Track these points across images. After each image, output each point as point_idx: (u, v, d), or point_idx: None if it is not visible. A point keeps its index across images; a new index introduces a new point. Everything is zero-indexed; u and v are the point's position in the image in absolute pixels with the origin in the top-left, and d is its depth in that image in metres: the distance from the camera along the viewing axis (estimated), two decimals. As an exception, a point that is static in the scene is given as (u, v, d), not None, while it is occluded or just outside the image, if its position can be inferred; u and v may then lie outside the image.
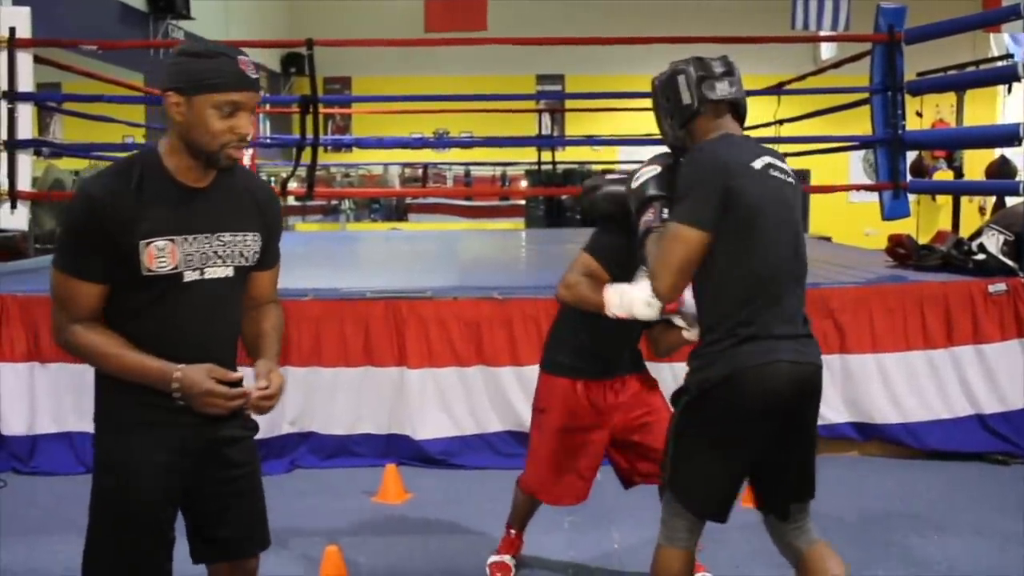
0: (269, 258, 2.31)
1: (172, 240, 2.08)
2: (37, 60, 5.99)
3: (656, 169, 2.65)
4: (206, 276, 2.14)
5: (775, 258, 2.47)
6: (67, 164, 10.01)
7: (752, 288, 2.43)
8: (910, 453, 4.94)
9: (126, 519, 2.15)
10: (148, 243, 2.05)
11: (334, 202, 15.23)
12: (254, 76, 2.10)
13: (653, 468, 3.10)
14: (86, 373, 4.78)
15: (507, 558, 3.57)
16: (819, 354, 2.54)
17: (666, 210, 2.55)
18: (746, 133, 3.00)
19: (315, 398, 4.83)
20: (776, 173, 2.52)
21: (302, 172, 6.21)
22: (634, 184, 2.66)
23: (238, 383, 2.14)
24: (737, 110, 2.64)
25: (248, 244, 2.22)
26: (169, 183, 2.11)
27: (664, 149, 2.74)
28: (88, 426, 5.22)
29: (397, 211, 15.43)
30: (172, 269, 2.09)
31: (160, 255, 2.06)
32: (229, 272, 2.18)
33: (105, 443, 2.17)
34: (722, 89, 2.58)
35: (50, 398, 4.76)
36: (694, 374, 2.51)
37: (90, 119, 7.92)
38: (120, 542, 2.15)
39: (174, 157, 2.12)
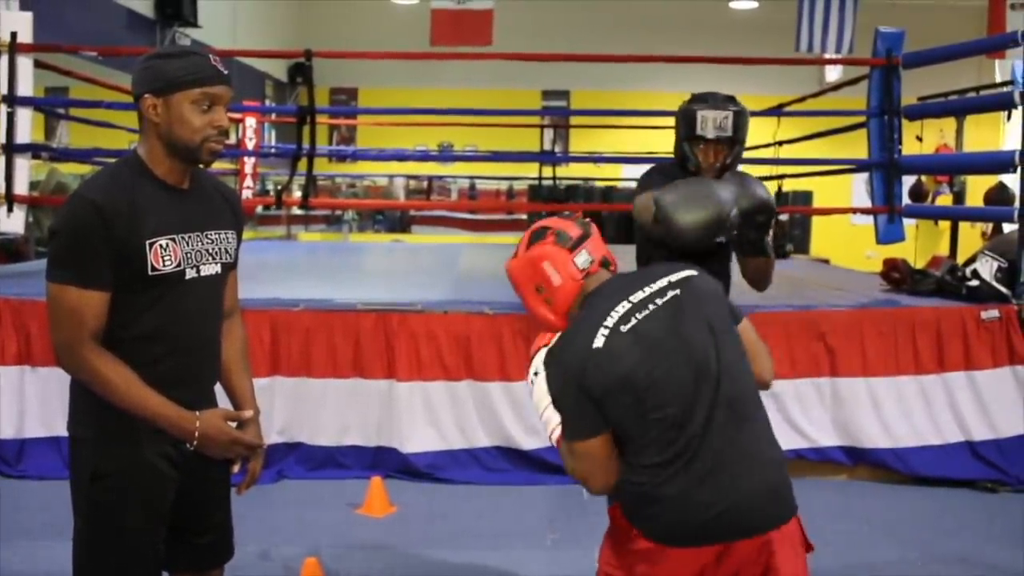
0: (238, 256, 2.36)
1: (173, 239, 2.13)
2: (42, 65, 6.02)
3: None
4: (202, 273, 2.19)
5: None
6: (72, 168, 10.04)
7: None
8: (899, 478, 4.92)
9: (129, 529, 2.15)
10: (153, 242, 2.09)
11: (337, 212, 15.25)
12: (226, 71, 2.15)
13: None
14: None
15: None
16: None
17: None
18: (746, 154, 3.25)
19: (304, 408, 4.83)
20: None
21: (302, 181, 6.25)
22: None
23: (247, 421, 2.32)
24: None
25: (229, 241, 2.29)
26: (158, 185, 2.15)
27: None
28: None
29: (401, 223, 15.46)
30: (176, 267, 2.13)
31: (165, 253, 2.10)
32: (218, 269, 2.25)
33: (101, 452, 2.14)
34: None
35: (39, 402, 4.76)
36: None
37: (94, 125, 7.97)
38: (122, 552, 2.15)
39: (155, 160, 2.16)
